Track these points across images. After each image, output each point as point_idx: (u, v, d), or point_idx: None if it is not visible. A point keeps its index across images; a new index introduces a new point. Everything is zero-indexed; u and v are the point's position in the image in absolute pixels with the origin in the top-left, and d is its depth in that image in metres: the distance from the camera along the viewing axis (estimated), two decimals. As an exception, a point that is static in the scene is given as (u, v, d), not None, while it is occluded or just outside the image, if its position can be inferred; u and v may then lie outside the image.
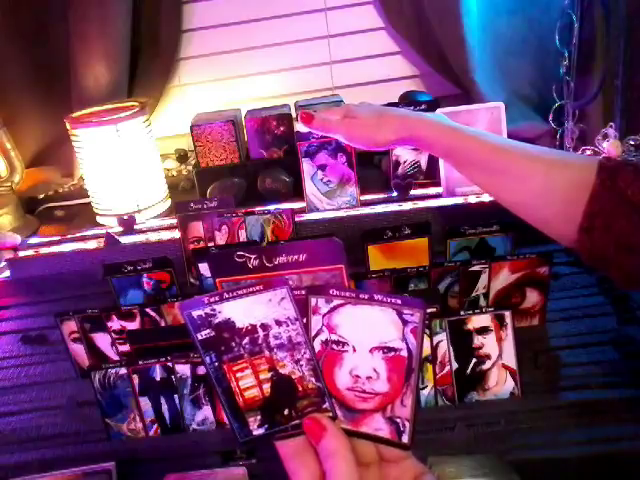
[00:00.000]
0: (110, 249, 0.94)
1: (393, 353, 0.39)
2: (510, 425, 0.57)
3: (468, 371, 0.60)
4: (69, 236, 1.02)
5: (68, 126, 1.02)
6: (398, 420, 0.39)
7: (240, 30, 1.23)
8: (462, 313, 0.60)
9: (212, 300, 0.38)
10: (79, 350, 0.70)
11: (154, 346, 0.63)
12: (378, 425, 0.40)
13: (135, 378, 0.60)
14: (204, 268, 0.74)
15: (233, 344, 0.39)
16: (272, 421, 0.39)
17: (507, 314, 0.60)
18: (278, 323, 0.39)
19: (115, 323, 0.68)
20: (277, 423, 0.39)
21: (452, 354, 0.60)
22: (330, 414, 0.40)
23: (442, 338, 0.60)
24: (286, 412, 0.39)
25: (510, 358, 0.60)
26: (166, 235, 0.96)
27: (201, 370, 0.60)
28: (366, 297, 0.39)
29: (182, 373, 0.60)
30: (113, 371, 0.60)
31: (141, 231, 1.00)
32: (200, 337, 0.38)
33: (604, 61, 1.00)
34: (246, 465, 0.57)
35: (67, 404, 0.67)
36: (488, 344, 0.60)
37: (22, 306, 0.90)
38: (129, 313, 0.68)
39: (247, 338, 0.39)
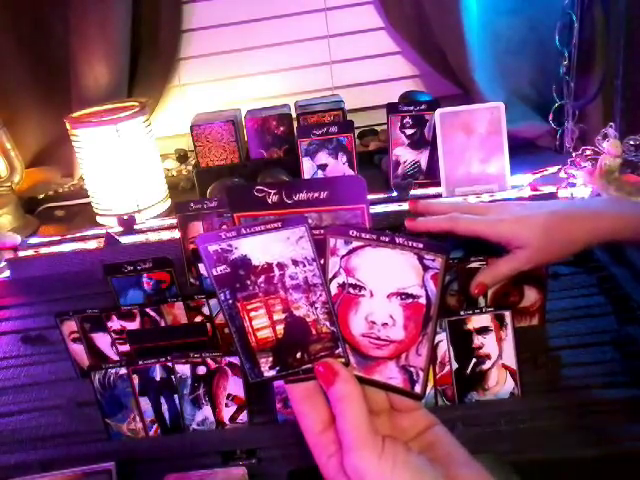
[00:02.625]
0: (110, 249, 0.94)
1: (411, 300, 0.38)
2: (510, 425, 0.57)
3: (468, 371, 0.60)
4: (69, 236, 1.02)
5: (68, 126, 1.02)
6: (412, 369, 0.38)
7: (240, 30, 1.23)
8: (462, 313, 0.60)
9: (229, 235, 0.37)
10: (79, 350, 0.70)
11: (154, 346, 0.63)
12: (391, 374, 0.39)
13: (135, 378, 0.60)
14: (204, 268, 0.74)
15: (248, 282, 0.38)
16: (284, 363, 0.38)
17: (507, 314, 0.60)
18: (295, 263, 0.38)
19: (115, 323, 0.68)
20: (289, 366, 0.38)
21: (452, 354, 0.60)
22: (343, 360, 0.38)
23: (442, 338, 0.60)
24: (298, 355, 0.38)
25: (510, 358, 0.60)
26: (166, 235, 0.96)
27: (201, 370, 0.60)
28: (387, 239, 0.37)
29: (182, 373, 0.60)
30: (113, 371, 0.60)
31: (141, 231, 1.00)
32: (215, 273, 0.38)
33: (604, 61, 1.00)
34: (246, 465, 0.57)
35: (67, 404, 0.67)
36: (488, 344, 0.60)
37: (22, 306, 0.90)
38: (129, 313, 0.68)
39: (263, 277, 0.38)
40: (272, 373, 0.39)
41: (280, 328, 0.38)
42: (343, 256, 0.38)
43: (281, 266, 0.38)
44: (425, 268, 0.37)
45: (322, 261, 0.38)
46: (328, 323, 0.38)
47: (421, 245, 0.37)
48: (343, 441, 0.35)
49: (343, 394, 0.36)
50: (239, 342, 0.38)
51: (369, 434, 0.35)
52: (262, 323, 0.38)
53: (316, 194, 0.41)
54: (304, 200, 0.41)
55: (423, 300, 0.38)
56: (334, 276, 0.39)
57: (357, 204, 0.41)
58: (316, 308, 0.38)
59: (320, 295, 0.38)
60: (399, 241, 0.37)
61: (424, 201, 0.67)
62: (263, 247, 0.38)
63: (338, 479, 0.35)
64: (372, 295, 0.38)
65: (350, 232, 0.38)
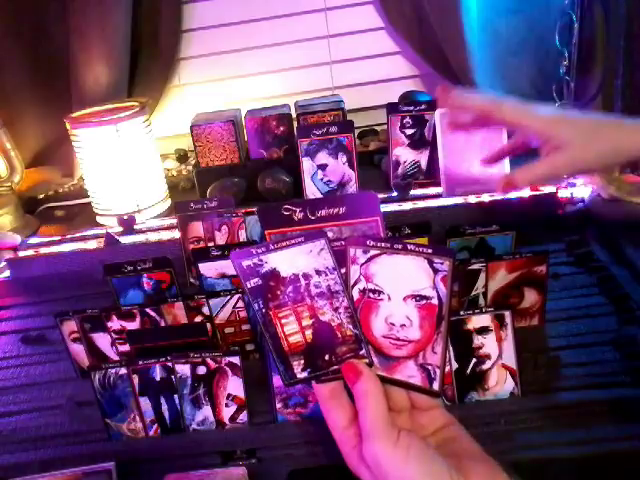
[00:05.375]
0: (110, 249, 0.94)
1: (425, 301, 0.41)
2: (510, 425, 0.57)
3: (468, 371, 0.60)
4: (69, 236, 1.02)
5: (68, 126, 1.02)
6: (429, 367, 0.42)
7: (240, 30, 1.23)
8: (462, 313, 0.60)
9: (260, 251, 0.41)
10: (79, 350, 0.70)
11: (154, 346, 0.63)
12: (411, 372, 0.42)
13: (135, 378, 0.60)
14: (204, 268, 0.74)
15: (278, 292, 0.42)
16: (314, 365, 0.42)
17: (507, 314, 0.60)
18: (318, 273, 0.42)
19: (115, 323, 0.68)
20: (318, 368, 0.42)
21: (452, 354, 0.59)
22: (366, 360, 0.42)
23: (442, 338, 0.60)
24: (327, 357, 0.42)
25: (510, 358, 0.60)
26: (166, 235, 0.96)
27: (201, 370, 0.60)
28: (400, 247, 0.41)
29: (182, 373, 0.60)
30: (113, 371, 0.60)
31: (141, 231, 1.00)
32: (249, 285, 0.41)
33: (604, 61, 1.00)
34: (246, 465, 0.57)
35: (67, 404, 0.67)
36: (488, 344, 0.60)
37: (22, 306, 0.90)
38: (129, 313, 0.68)
39: (291, 287, 0.42)
40: (304, 375, 0.42)
41: (309, 333, 0.42)
42: (362, 264, 0.42)
43: (306, 276, 0.42)
44: (435, 271, 0.40)
45: (343, 270, 0.42)
46: (351, 326, 0.42)
47: (430, 250, 0.40)
48: (363, 431, 0.39)
49: (365, 391, 0.39)
50: (274, 347, 0.42)
51: (386, 426, 0.38)
52: (293, 329, 0.42)
53: (336, 210, 0.45)
54: (325, 216, 0.45)
55: (435, 301, 0.41)
56: (355, 283, 0.42)
57: (372, 217, 0.45)
58: (339, 313, 0.42)
59: (342, 301, 0.42)
60: (411, 248, 0.41)
61: (457, 92, 0.60)
62: (289, 260, 0.41)
63: (360, 467, 0.39)
64: (390, 298, 0.42)
65: (367, 242, 0.42)
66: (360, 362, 0.41)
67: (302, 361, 0.42)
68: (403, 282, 0.41)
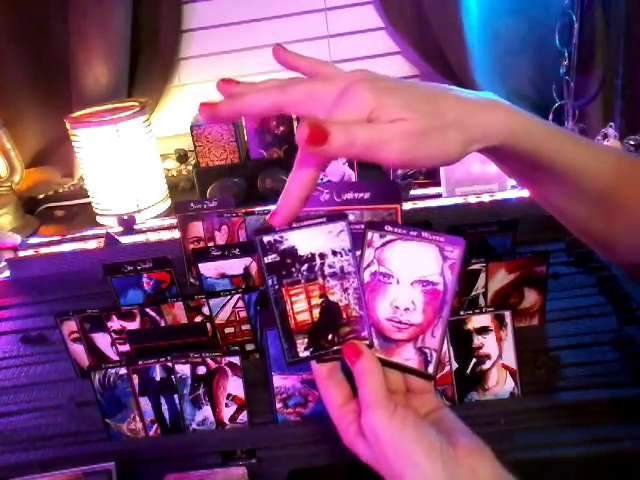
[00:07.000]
0: (110, 249, 0.94)
1: (431, 286, 0.42)
2: (510, 425, 0.57)
3: (468, 371, 0.60)
4: (69, 236, 1.02)
5: (68, 126, 1.02)
6: (427, 350, 0.43)
7: (240, 30, 1.23)
8: (462, 313, 0.60)
9: (281, 228, 0.42)
10: (79, 350, 0.70)
11: (154, 346, 0.63)
12: (408, 355, 0.43)
13: (135, 378, 0.60)
14: (204, 268, 0.74)
15: (293, 270, 0.42)
16: (317, 345, 0.43)
17: (507, 314, 0.60)
18: (334, 253, 0.43)
19: (115, 323, 0.68)
20: (321, 347, 0.43)
21: (452, 354, 0.60)
22: (367, 342, 0.43)
23: (442, 338, 0.60)
24: (330, 337, 0.43)
25: (510, 358, 0.60)
26: (166, 235, 0.96)
27: (201, 370, 0.60)
28: (415, 234, 0.43)
29: (182, 373, 0.60)
30: (113, 371, 0.60)
31: (141, 231, 1.00)
32: (267, 261, 0.42)
33: (604, 61, 1.00)
34: (246, 465, 0.57)
35: (67, 404, 0.67)
36: (488, 344, 0.60)
37: (22, 306, 0.90)
38: (129, 313, 0.68)
39: (306, 265, 0.42)
40: (307, 354, 0.43)
41: (316, 312, 0.43)
42: (377, 248, 0.43)
43: (322, 255, 0.43)
44: (444, 258, 0.42)
45: (359, 252, 0.43)
46: (357, 308, 0.43)
47: (442, 239, 0.42)
48: (362, 404, 0.41)
49: (365, 369, 0.41)
50: (281, 325, 0.43)
51: (384, 399, 0.40)
52: (301, 307, 0.43)
53: (360, 194, 0.47)
54: (350, 199, 0.47)
55: (441, 287, 0.42)
56: (368, 265, 0.43)
57: (393, 204, 0.47)
58: (348, 294, 0.43)
59: (353, 282, 0.43)
60: (425, 235, 0.42)
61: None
62: (309, 239, 0.42)
63: (356, 440, 0.42)
64: (398, 282, 0.43)
65: (386, 227, 0.43)
66: (361, 343, 0.43)
67: (306, 340, 0.43)
68: (413, 267, 0.42)
